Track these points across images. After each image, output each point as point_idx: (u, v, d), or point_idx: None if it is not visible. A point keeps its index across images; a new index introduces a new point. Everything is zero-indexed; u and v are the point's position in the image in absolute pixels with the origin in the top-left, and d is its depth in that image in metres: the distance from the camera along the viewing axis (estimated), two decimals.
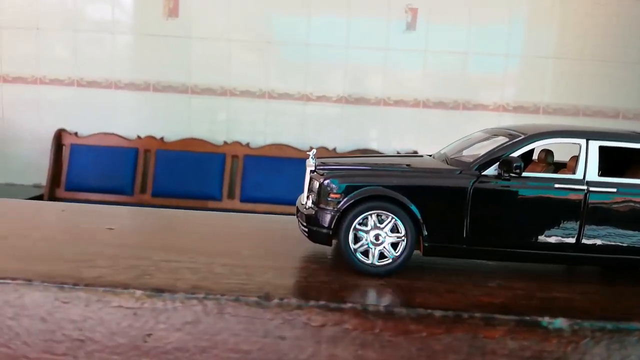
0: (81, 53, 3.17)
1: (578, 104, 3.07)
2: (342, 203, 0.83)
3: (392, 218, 0.82)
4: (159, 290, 0.75)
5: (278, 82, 3.14)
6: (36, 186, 3.30)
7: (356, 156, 1.00)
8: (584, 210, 0.83)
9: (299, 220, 0.92)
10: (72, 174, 3.12)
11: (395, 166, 0.88)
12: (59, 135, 3.17)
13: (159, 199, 3.06)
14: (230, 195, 3.08)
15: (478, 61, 3.06)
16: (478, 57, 3.06)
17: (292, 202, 2.89)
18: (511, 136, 0.87)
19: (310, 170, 0.90)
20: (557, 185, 0.83)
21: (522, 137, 0.86)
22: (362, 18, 3.04)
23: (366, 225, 0.83)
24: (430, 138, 3.11)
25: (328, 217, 0.84)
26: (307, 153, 0.93)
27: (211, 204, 3.05)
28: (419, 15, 3.03)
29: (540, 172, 0.90)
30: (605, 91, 3.04)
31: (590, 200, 0.83)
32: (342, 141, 3.15)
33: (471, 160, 0.87)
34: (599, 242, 0.83)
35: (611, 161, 0.93)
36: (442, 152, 1.02)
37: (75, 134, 3.19)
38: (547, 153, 0.97)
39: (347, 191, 0.83)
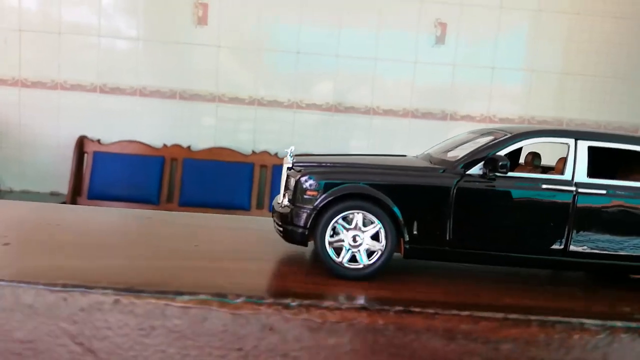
0: (105, 59, 3.10)
1: (600, 120, 3.18)
2: (319, 201, 0.78)
3: (377, 224, 0.78)
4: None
5: (305, 92, 3.14)
6: (53, 194, 3.20)
7: (336, 155, 0.96)
8: (572, 212, 0.78)
9: (274, 220, 0.88)
10: (95, 182, 3.04)
11: (375, 164, 0.84)
12: (81, 142, 3.09)
13: (186, 209, 3.00)
14: (259, 205, 3.05)
15: (503, 75, 3.14)
16: (503, 72, 3.13)
17: None
18: (497, 135, 0.84)
19: (287, 167, 0.86)
20: (544, 186, 0.79)
21: (508, 135, 0.82)
22: (391, 31, 3.08)
23: (349, 223, 0.79)
24: None
25: (304, 216, 0.79)
26: (285, 150, 0.89)
27: (240, 213, 3.01)
28: (448, 30, 3.09)
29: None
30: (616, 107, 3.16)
31: (578, 203, 0.78)
32: (369, 150, 3.17)
33: (455, 159, 0.83)
34: (587, 246, 0.79)
35: (601, 163, 0.89)
36: (427, 152, 0.98)
37: (98, 141, 3.11)
38: (534, 156, 0.93)
39: (324, 189, 0.79)
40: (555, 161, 0.91)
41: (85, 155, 3.10)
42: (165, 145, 3.11)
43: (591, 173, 0.83)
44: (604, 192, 0.79)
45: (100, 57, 3.10)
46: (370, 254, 0.79)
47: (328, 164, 0.83)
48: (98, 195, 3.02)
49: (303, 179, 0.80)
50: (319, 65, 3.13)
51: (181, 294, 0.71)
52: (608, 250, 0.79)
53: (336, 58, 3.12)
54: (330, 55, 3.12)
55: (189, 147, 3.11)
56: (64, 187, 3.17)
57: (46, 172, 3.19)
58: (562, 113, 3.18)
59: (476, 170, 0.79)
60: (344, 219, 0.78)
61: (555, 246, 0.78)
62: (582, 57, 3.13)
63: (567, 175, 0.79)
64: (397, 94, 3.15)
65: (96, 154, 3.07)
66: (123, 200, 3.01)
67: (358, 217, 0.78)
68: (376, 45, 3.10)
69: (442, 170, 0.80)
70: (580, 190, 0.79)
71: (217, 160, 3.07)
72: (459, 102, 3.16)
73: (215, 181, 3.03)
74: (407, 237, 0.78)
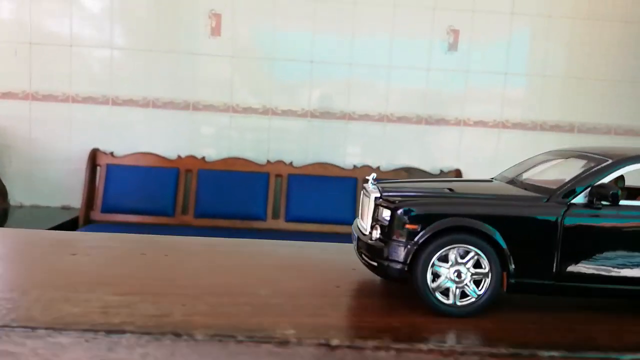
0: (117, 71, 3.08)
1: (610, 123, 3.21)
2: (420, 235, 0.73)
3: (475, 253, 0.73)
4: None
5: (319, 101, 3.14)
6: (65, 208, 3.15)
7: (413, 180, 0.92)
8: None
9: (360, 252, 0.83)
10: (109, 195, 3.00)
11: (475, 193, 0.80)
12: (94, 155, 3.05)
13: (202, 220, 2.97)
14: (275, 215, 3.03)
15: (515, 81, 3.16)
16: (515, 78, 3.16)
17: (339, 221, 2.88)
18: (594, 160, 0.79)
19: (375, 197, 0.80)
20: None
21: (610, 161, 0.77)
22: (404, 39, 3.10)
23: (446, 260, 0.74)
24: (473, 158, 3.17)
25: (403, 251, 0.74)
26: (367, 178, 0.85)
27: (256, 224, 2.99)
28: (461, 37, 3.11)
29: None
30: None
31: None
32: (384, 160, 3.17)
33: (555, 186, 0.78)
34: None
35: None
36: (504, 175, 0.93)
37: (111, 153, 3.07)
38: (619, 178, 0.88)
39: (425, 221, 0.73)
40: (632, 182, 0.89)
41: (98, 168, 3.06)
42: (179, 157, 3.08)
43: None
44: None
45: (113, 69, 3.08)
46: (476, 284, 0.75)
47: (424, 194, 0.79)
48: (112, 209, 2.98)
49: (400, 211, 0.75)
50: (332, 74, 3.13)
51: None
52: None
53: (349, 66, 3.12)
54: (343, 64, 3.12)
55: (203, 158, 3.09)
56: (76, 201, 3.13)
57: (57, 186, 3.14)
58: (573, 117, 3.21)
59: (580, 199, 0.76)
60: (440, 258, 0.74)
61: None
62: (592, 61, 3.16)
63: None
64: (409, 101, 3.15)
65: (109, 167, 3.03)
66: (138, 213, 2.97)
67: (454, 252, 0.74)
68: (389, 53, 3.11)
69: (545, 200, 0.76)
70: None
71: (232, 171, 3.04)
72: (471, 108, 3.17)
73: (230, 192, 3.00)
74: (512, 271, 0.74)
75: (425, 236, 0.73)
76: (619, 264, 0.75)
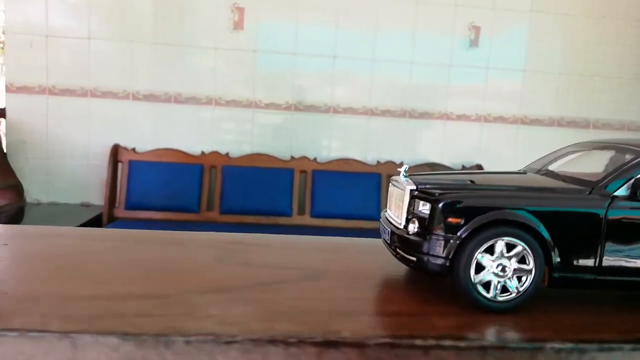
0: (137, 66, 3.02)
1: (625, 120, 3.30)
2: (464, 229, 0.71)
3: (521, 247, 0.71)
4: None
5: (343, 96, 3.14)
6: (84, 205, 3.10)
7: (444, 173, 0.88)
8: None
9: (392, 245, 0.80)
10: (132, 192, 2.95)
11: (517, 186, 0.77)
12: (115, 151, 2.99)
13: (227, 216, 2.96)
14: (301, 211, 3.03)
15: (533, 78, 3.22)
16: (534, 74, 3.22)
17: (364, 217, 2.89)
18: (632, 152, 0.78)
19: (411, 190, 0.77)
20: None
21: None
22: (426, 35, 3.12)
23: (491, 253, 0.72)
24: (494, 153, 3.23)
25: (446, 245, 0.72)
26: (398, 170, 0.82)
27: (282, 220, 2.99)
28: (482, 33, 3.15)
29: None
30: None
31: None
32: (406, 155, 3.20)
33: (595, 178, 0.77)
34: None
35: None
36: (532, 167, 0.92)
37: (133, 149, 3.03)
38: None
39: (469, 215, 0.70)
40: None
41: (120, 164, 3.01)
42: (203, 153, 3.05)
43: None
44: None
45: (133, 63, 3.01)
46: (519, 279, 0.73)
47: (463, 187, 0.75)
48: (136, 205, 2.94)
49: (442, 204, 0.72)
50: (355, 68, 3.13)
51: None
52: None
53: (372, 62, 3.13)
54: (366, 59, 3.13)
55: (227, 154, 3.07)
56: (95, 198, 3.08)
57: (76, 183, 3.08)
58: (588, 113, 3.29)
59: (622, 191, 0.74)
60: (486, 250, 0.72)
61: None
62: (606, 59, 3.24)
63: None
64: (433, 97, 3.18)
65: (132, 163, 2.98)
66: (162, 209, 2.94)
67: (501, 244, 0.72)
68: (412, 49, 3.13)
69: (588, 192, 0.74)
70: None
71: (256, 167, 3.03)
72: (492, 104, 3.22)
73: (256, 188, 3.00)
74: (555, 265, 0.72)
75: (469, 230, 0.70)
76: None
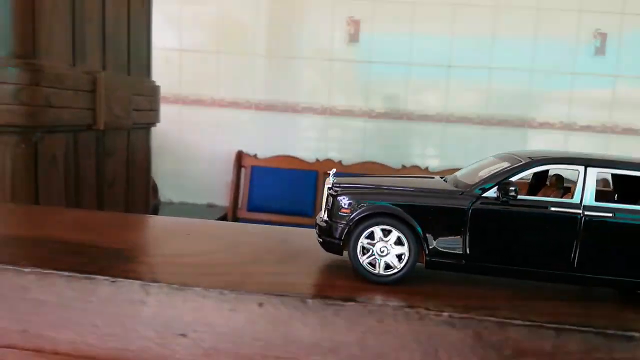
0: (261, 78, 3.24)
1: None
2: (350, 218, 0.91)
3: (396, 232, 0.89)
4: None
5: (456, 105, 3.15)
6: (210, 206, 3.39)
7: (373, 176, 1.06)
8: (578, 232, 0.88)
9: (316, 232, 1.00)
10: (254, 195, 3.19)
11: (402, 186, 0.94)
12: (239, 157, 3.25)
13: None
14: None
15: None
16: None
17: None
18: (513, 162, 0.95)
19: (328, 188, 0.96)
20: (552, 209, 0.88)
21: (522, 162, 0.92)
22: (548, 42, 3.02)
23: (373, 238, 0.90)
24: None
25: (339, 230, 0.91)
26: (328, 172, 0.99)
27: None
28: (608, 40, 2.99)
29: (552, 195, 0.96)
30: None
31: (584, 224, 0.88)
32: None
33: (472, 182, 0.93)
34: (591, 263, 0.88)
35: (630, 190, 0.97)
36: (455, 174, 1.06)
37: (255, 155, 3.26)
38: (558, 178, 1.01)
39: (355, 208, 0.91)
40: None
41: (243, 169, 3.26)
42: (317, 160, 3.21)
43: (619, 199, 0.95)
44: (610, 214, 0.88)
45: (257, 76, 3.24)
46: (399, 257, 0.92)
47: (361, 187, 0.95)
48: (257, 208, 3.17)
49: (338, 199, 0.92)
50: (470, 77, 3.11)
51: None
52: (613, 266, 0.89)
53: (489, 70, 3.09)
54: (482, 67, 3.10)
55: (340, 162, 3.20)
56: (219, 199, 3.36)
57: (203, 185, 3.38)
58: None
59: (491, 193, 0.90)
60: (368, 236, 0.91)
61: (563, 262, 0.88)
62: None
63: (575, 199, 0.89)
64: (554, 106, 3.09)
65: (254, 168, 3.22)
66: (280, 212, 3.15)
67: (378, 230, 0.90)
68: (533, 56, 3.05)
69: (460, 193, 0.90)
70: (587, 213, 0.88)
71: (368, 175, 3.13)
72: (620, 114, 3.05)
73: None
74: (430, 250, 0.90)
75: (355, 219, 0.89)
76: (519, 249, 0.90)
